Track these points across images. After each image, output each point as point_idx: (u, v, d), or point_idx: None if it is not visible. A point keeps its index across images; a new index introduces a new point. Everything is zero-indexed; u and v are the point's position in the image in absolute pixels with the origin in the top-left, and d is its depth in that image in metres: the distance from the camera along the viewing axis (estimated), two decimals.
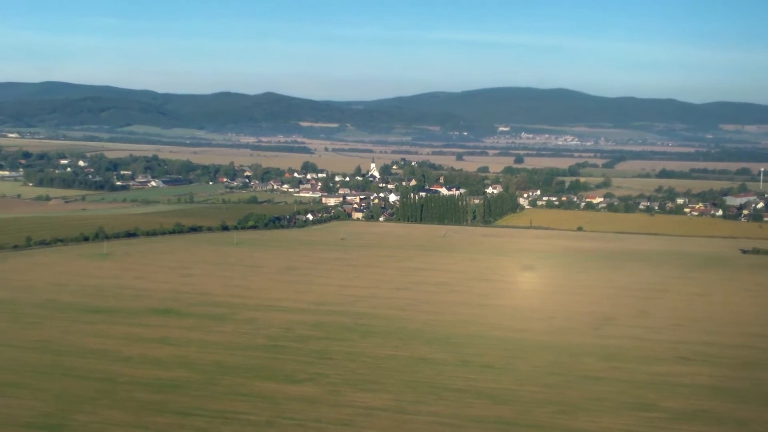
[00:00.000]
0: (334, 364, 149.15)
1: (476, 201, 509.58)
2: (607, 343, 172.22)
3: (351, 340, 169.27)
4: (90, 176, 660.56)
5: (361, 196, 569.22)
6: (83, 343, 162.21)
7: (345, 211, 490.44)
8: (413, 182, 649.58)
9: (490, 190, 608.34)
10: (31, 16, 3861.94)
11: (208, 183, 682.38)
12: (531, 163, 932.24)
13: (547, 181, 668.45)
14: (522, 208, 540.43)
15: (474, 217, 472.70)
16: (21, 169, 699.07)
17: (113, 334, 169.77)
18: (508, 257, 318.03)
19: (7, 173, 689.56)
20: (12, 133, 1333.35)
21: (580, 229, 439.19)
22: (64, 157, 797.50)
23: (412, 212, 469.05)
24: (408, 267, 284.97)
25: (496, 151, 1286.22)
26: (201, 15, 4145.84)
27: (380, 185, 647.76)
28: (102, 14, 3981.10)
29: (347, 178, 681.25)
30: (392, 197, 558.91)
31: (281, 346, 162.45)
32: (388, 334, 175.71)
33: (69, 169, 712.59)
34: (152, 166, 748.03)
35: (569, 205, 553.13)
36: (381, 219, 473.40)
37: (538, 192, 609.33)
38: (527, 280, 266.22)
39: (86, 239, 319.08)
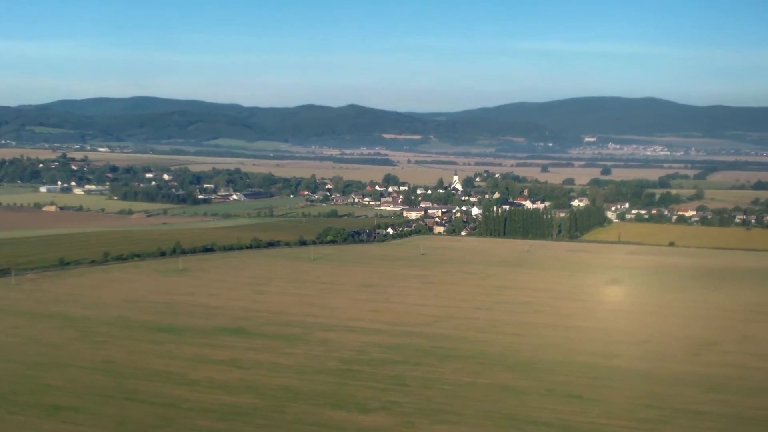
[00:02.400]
0: (409, 392, 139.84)
1: (562, 214, 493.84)
2: (707, 371, 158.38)
3: (428, 365, 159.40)
4: (173, 190, 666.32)
5: (443, 210, 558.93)
6: (149, 364, 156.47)
7: (426, 225, 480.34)
8: (496, 195, 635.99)
9: (576, 203, 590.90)
10: (121, 34, 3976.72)
11: (289, 196, 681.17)
12: (619, 174, 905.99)
13: (636, 193, 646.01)
14: (610, 221, 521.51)
15: (559, 232, 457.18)
16: (107, 183, 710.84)
17: (181, 355, 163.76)
18: (596, 274, 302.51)
19: (94, 187, 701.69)
20: (102, 147, 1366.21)
21: (672, 244, 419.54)
22: (150, 171, 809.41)
23: (495, 226, 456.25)
24: (490, 285, 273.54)
25: (582, 163, 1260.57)
26: (286, 28, 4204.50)
27: (462, 198, 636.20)
28: (192, 30, 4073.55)
29: (429, 191, 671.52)
30: (475, 210, 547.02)
31: (354, 371, 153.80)
32: (467, 358, 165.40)
33: (153, 182, 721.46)
34: (234, 180, 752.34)
35: (660, 219, 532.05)
36: (463, 233, 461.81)
37: (627, 205, 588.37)
38: (617, 299, 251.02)
39: (163, 254, 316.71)
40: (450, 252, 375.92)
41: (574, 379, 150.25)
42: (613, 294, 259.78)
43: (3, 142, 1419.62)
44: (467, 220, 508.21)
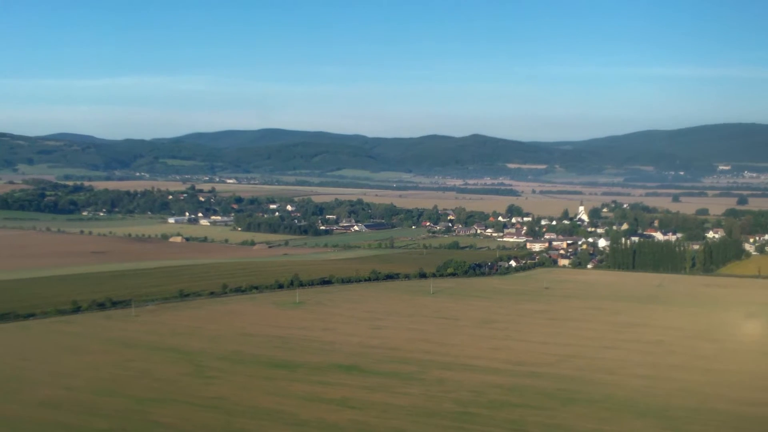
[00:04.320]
0: None
1: (695, 247, 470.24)
2: None
3: (550, 409, 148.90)
4: (296, 221, 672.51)
5: (568, 242, 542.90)
6: (260, 401, 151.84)
7: (550, 257, 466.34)
8: (625, 226, 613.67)
9: (710, 234, 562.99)
10: (250, 68, 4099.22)
11: (411, 227, 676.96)
12: (756, 204, 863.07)
13: None
14: (748, 254, 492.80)
15: (693, 265, 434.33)
16: (233, 214, 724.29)
17: (292, 393, 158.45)
18: (734, 312, 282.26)
19: (219, 218, 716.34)
20: (230, 178, 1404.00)
21: None
22: (274, 202, 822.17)
23: (623, 259, 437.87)
24: (618, 322, 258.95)
25: (717, 192, 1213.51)
26: (410, 60, 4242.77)
27: (589, 229, 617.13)
28: (317, 63, 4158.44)
29: (554, 222, 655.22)
30: (602, 242, 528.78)
31: (471, 414, 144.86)
32: (593, 402, 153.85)
33: (277, 213, 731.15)
34: (356, 210, 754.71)
35: None
36: (589, 266, 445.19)
37: (766, 236, 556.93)
38: (758, 340, 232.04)
39: (281, 286, 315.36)
40: (575, 286, 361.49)
41: (713, 429, 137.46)
42: (754, 333, 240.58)
43: (138, 174, 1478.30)
44: (594, 252, 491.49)
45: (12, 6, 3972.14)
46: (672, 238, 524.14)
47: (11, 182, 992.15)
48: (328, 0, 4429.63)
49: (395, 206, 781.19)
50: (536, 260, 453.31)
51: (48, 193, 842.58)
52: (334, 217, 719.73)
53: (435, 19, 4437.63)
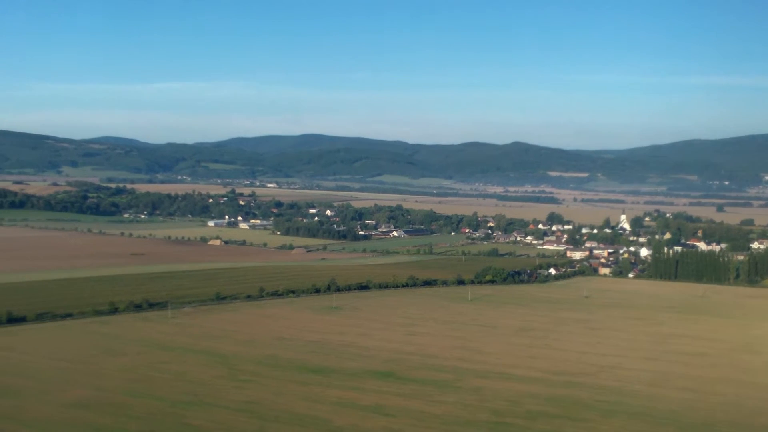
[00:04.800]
0: None
1: (740, 257, 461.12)
2: None
3: (588, 421, 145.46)
4: (335, 225, 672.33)
5: (609, 250, 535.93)
6: (293, 407, 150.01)
7: (591, 265, 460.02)
8: (667, 236, 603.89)
9: (755, 245, 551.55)
10: (292, 74, 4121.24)
11: (450, 233, 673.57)
12: None
13: None
14: None
15: (737, 276, 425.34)
16: (272, 218, 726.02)
17: (326, 399, 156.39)
18: None
19: (258, 222, 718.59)
20: (271, 183, 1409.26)
21: None
22: (313, 207, 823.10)
23: (665, 269, 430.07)
24: (660, 332, 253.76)
25: (762, 202, 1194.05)
26: (451, 67, 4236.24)
27: (630, 238, 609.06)
28: (357, 69, 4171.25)
29: (595, 231, 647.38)
30: (643, 252, 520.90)
31: (506, 424, 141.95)
32: (633, 415, 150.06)
33: (316, 218, 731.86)
34: (396, 216, 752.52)
35: None
36: (630, 275, 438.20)
37: None
38: None
39: (318, 291, 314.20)
40: (616, 295, 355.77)
41: None
42: None
43: (179, 177, 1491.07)
44: (635, 261, 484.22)
45: (61, 13, 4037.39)
46: (716, 248, 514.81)
47: (55, 184, 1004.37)
48: (364, 8, 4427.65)
49: (435, 212, 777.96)
50: (576, 268, 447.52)
51: (90, 195, 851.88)
52: (373, 222, 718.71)
53: (477, 26, 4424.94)
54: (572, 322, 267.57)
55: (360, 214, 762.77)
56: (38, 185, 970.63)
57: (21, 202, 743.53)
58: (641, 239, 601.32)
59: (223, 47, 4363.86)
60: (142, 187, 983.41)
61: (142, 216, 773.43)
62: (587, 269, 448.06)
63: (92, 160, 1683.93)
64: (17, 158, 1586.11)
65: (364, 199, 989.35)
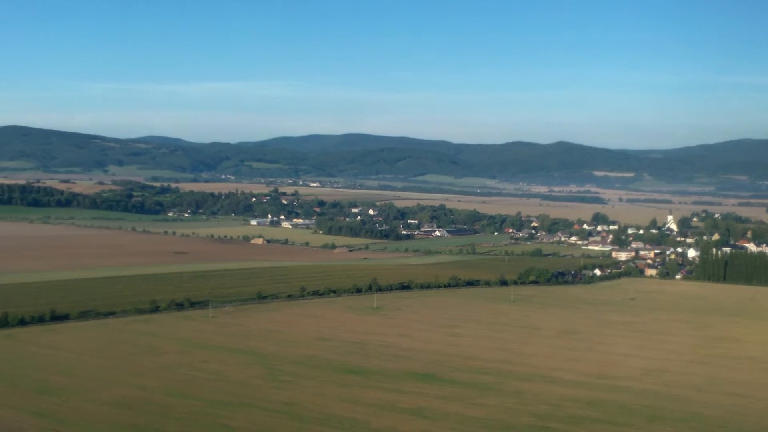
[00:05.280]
0: None
1: None
2: None
3: (632, 426, 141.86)
4: (377, 225, 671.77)
5: (656, 251, 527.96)
6: (332, 408, 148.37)
7: (637, 267, 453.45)
8: (716, 236, 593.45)
9: None
10: (335, 73, 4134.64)
11: (493, 233, 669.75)
12: None
13: None
14: None
15: None
16: (314, 217, 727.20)
17: (365, 400, 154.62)
18: None
19: (301, 221, 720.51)
20: (314, 182, 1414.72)
21: None
22: (356, 206, 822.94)
23: (713, 270, 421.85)
24: (707, 336, 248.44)
25: None
26: (494, 66, 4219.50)
27: (678, 239, 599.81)
28: (401, 69, 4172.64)
29: (641, 231, 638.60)
30: (691, 253, 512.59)
31: (548, 428, 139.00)
32: (679, 420, 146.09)
33: (359, 217, 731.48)
34: (438, 216, 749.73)
35: None
36: (677, 277, 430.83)
37: None
38: None
39: (359, 291, 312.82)
40: (662, 297, 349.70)
41: None
42: None
43: (223, 176, 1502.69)
44: (682, 262, 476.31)
45: (110, 17, 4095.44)
46: (766, 249, 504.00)
47: (101, 183, 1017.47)
48: (409, 9, 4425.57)
49: (478, 212, 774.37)
50: (622, 270, 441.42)
51: (135, 193, 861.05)
52: (416, 222, 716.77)
53: (522, 27, 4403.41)
54: (617, 325, 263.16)
55: (403, 214, 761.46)
56: (84, 184, 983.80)
57: (67, 201, 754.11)
58: (689, 240, 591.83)
59: (268, 48, 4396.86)
60: (186, 186, 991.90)
61: (186, 215, 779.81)
62: (633, 270, 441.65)
63: (138, 159, 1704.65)
64: (65, 157, 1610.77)
65: (406, 199, 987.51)
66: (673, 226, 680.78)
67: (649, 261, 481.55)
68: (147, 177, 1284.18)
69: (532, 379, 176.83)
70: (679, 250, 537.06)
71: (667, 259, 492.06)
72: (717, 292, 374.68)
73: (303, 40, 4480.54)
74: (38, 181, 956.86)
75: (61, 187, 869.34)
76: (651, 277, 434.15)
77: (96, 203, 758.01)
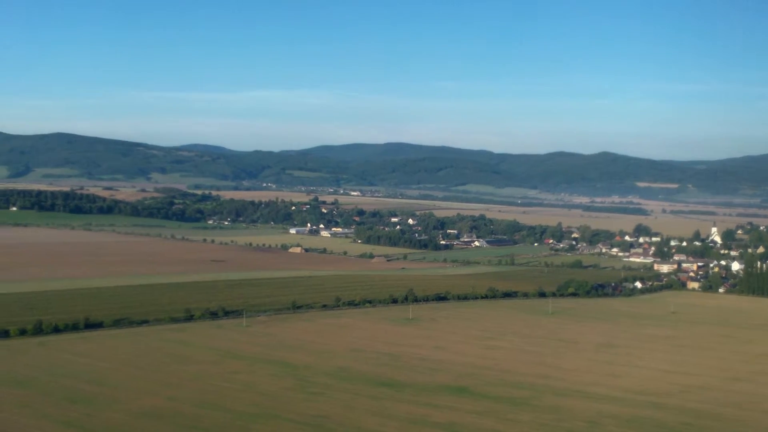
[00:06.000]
0: None
1: None
2: None
3: None
4: (416, 234, 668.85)
5: (699, 264, 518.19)
6: (362, 422, 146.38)
7: (679, 279, 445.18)
8: (761, 249, 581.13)
9: None
10: (377, 83, 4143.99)
11: (533, 244, 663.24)
12: None
13: None
14: None
15: None
16: (353, 226, 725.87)
17: (396, 414, 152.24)
18: None
19: (340, 230, 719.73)
20: (355, 191, 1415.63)
21: None
22: (395, 215, 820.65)
23: (758, 284, 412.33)
24: (751, 352, 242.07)
25: None
26: (537, 76, 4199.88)
27: (721, 252, 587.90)
28: (443, 78, 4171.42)
29: (684, 243, 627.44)
30: (735, 266, 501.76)
31: None
32: None
33: (398, 227, 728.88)
34: (478, 226, 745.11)
35: None
36: (721, 290, 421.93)
37: None
38: None
39: (395, 301, 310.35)
40: (705, 311, 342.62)
41: None
42: None
43: (264, 184, 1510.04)
44: (726, 275, 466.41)
45: (154, 25, 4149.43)
46: None
47: (143, 190, 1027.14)
48: (451, 17, 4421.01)
49: (518, 223, 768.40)
50: (664, 282, 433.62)
51: (176, 201, 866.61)
52: (455, 231, 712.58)
53: (564, 36, 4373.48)
54: (657, 339, 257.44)
55: (442, 224, 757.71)
56: (127, 191, 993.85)
57: (109, 208, 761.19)
58: (733, 252, 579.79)
59: (310, 56, 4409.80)
60: (227, 194, 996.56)
61: (226, 222, 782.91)
62: (675, 283, 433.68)
63: (180, 167, 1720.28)
64: (109, 165, 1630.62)
65: (446, 209, 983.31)
66: (717, 239, 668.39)
67: (691, 274, 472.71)
68: (189, 185, 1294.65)
69: (568, 395, 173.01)
70: (723, 263, 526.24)
71: (711, 272, 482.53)
72: (761, 307, 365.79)
73: (346, 49, 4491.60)
74: (82, 188, 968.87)
75: (104, 194, 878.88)
76: (693, 290, 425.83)
77: (137, 210, 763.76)
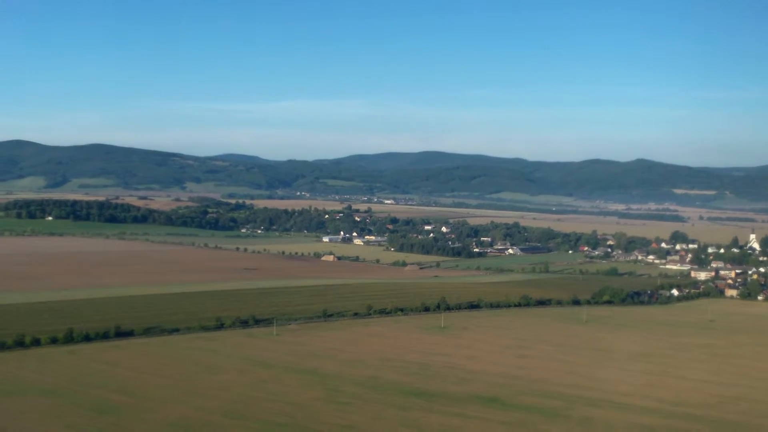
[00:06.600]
0: None
1: None
2: None
3: None
4: (449, 242, 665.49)
5: (737, 271, 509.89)
6: None
7: (716, 287, 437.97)
8: None
9: None
10: (411, 92, 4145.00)
11: (568, 252, 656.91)
12: None
13: None
14: None
15: None
16: (387, 234, 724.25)
17: (426, 425, 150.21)
18: None
19: (373, 238, 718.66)
20: (389, 199, 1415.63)
21: None
22: (429, 223, 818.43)
23: None
24: None
25: None
26: (569, 84, 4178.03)
27: (760, 259, 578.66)
28: (476, 87, 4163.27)
29: (721, 250, 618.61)
30: None
31: None
32: None
33: (431, 235, 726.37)
34: (512, 233, 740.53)
35: None
36: (759, 298, 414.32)
37: None
38: None
39: (427, 309, 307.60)
40: (743, 319, 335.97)
41: None
42: None
43: (298, 193, 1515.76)
44: (765, 283, 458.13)
45: (191, 37, 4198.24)
46: None
47: (178, 199, 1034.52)
48: (485, 27, 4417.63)
49: (552, 230, 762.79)
50: (701, 290, 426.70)
51: (210, 210, 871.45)
52: (489, 239, 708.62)
53: (599, 44, 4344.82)
54: (694, 348, 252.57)
55: (476, 231, 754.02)
56: (162, 200, 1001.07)
57: (143, 217, 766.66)
58: None
59: (346, 66, 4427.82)
60: (260, 203, 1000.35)
61: (259, 231, 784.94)
62: (713, 291, 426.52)
63: (215, 176, 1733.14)
64: (144, 174, 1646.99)
65: (480, 216, 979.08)
66: (756, 245, 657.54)
67: (729, 281, 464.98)
68: (223, 194, 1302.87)
69: (602, 406, 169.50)
70: (762, 270, 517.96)
71: (749, 279, 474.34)
72: None
73: (380, 58, 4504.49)
74: (117, 197, 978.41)
75: (139, 203, 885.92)
76: (731, 297, 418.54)
77: (171, 219, 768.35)
